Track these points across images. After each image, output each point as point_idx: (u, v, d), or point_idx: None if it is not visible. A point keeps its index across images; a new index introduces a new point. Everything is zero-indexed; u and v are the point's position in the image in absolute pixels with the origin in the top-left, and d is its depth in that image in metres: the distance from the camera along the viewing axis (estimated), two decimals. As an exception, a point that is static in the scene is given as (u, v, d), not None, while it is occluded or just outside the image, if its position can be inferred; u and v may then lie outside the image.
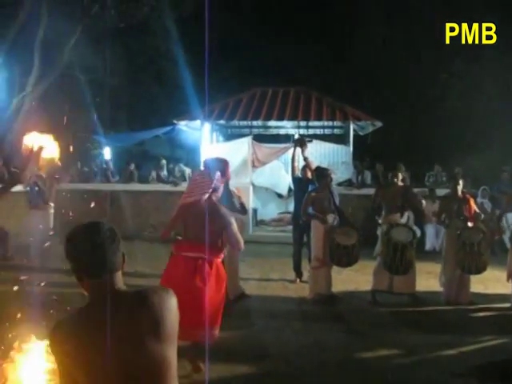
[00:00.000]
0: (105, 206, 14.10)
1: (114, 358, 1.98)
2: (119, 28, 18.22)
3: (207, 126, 15.39)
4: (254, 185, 14.53)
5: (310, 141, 10.50)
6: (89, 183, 15.35)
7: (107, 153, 18.63)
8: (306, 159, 9.50)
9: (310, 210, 8.12)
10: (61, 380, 2.07)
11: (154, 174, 15.86)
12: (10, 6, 15.23)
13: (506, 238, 11.09)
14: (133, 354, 2.01)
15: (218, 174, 5.32)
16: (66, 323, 2.08)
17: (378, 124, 15.15)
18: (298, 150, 9.64)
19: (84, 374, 1.99)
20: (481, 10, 17.19)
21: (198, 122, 15.24)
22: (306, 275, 8.97)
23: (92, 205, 12.78)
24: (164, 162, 16.40)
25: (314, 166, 9.17)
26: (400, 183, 8.61)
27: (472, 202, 8.28)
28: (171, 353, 2.09)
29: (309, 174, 9.23)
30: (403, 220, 8.36)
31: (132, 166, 15.84)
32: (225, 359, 5.32)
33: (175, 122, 15.70)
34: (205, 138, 15.18)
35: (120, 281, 2.16)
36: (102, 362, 1.96)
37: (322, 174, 8.34)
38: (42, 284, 8.64)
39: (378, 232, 8.49)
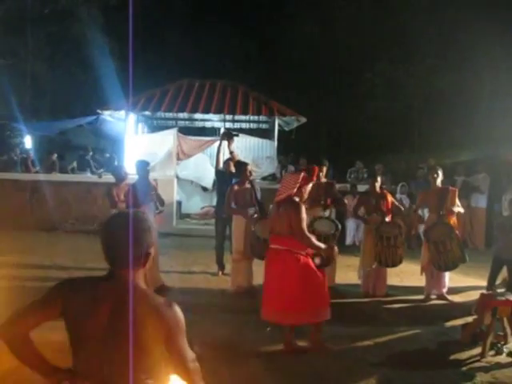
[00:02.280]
0: (25, 196, 13.74)
1: (92, 330, 2.17)
2: (43, 13, 17.72)
3: (132, 116, 15.19)
4: (178, 177, 14.47)
5: (237, 135, 10.55)
6: (7, 172, 14.85)
7: (28, 141, 18.10)
8: (231, 153, 9.55)
9: (232, 204, 8.20)
10: (39, 303, 2.29)
11: (75, 163, 15.57)
12: None
13: (421, 232, 11.57)
14: (109, 339, 2.17)
15: (303, 174, 5.77)
16: (78, 279, 2.36)
17: (303, 120, 15.37)
18: (224, 143, 9.68)
19: (70, 324, 2.23)
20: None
21: (122, 113, 14.99)
22: (228, 268, 9.03)
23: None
24: (88, 155, 16.17)
25: (237, 160, 9.25)
26: (323, 178, 8.78)
27: (390, 197, 8.57)
28: (142, 359, 2.19)
29: (232, 168, 9.29)
30: (326, 213, 8.53)
31: (54, 156, 15.45)
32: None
33: (99, 111, 15.40)
34: (129, 129, 14.99)
35: (134, 276, 2.26)
36: (82, 327, 2.19)
37: (241, 167, 8.42)
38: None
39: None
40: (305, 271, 5.50)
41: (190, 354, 2.28)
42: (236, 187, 8.24)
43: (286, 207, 5.56)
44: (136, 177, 8.47)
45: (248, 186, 8.27)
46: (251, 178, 8.49)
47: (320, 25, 21.64)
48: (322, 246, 5.67)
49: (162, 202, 8.51)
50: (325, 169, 8.88)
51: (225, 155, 9.81)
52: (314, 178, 6.07)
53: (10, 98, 16.57)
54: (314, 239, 5.60)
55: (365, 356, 5.72)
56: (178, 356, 2.24)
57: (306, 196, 5.83)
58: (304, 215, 5.50)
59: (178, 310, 2.27)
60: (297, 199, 5.61)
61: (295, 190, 5.60)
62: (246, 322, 6.56)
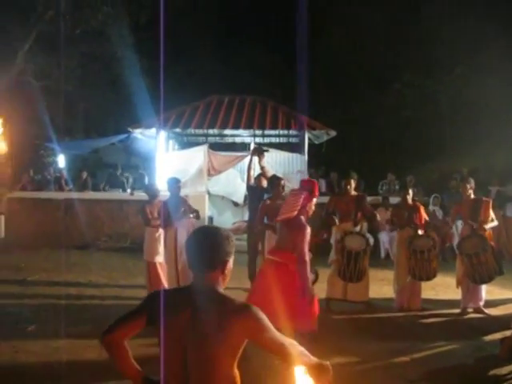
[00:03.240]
0: (59, 214, 13.91)
1: (176, 334, 2.40)
2: (74, 34, 18.01)
3: (163, 134, 15.30)
4: (209, 193, 14.51)
5: (267, 150, 10.52)
6: (41, 191, 15.09)
7: (61, 160, 18.37)
8: (262, 168, 9.51)
9: (265, 219, 8.15)
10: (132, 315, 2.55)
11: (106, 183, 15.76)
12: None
13: (455, 245, 11.38)
14: (191, 341, 2.38)
15: (306, 193, 5.76)
16: (164, 291, 2.59)
17: (333, 133, 15.32)
18: (255, 158, 9.65)
19: (156, 329, 2.44)
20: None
21: (153, 130, 15.13)
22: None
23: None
24: (119, 172, 16.33)
25: (269, 175, 9.21)
26: (353, 192, 8.61)
27: (422, 210, 8.44)
28: (226, 358, 2.41)
29: (264, 183, 9.25)
30: (357, 228, 8.43)
31: (85, 174, 15.63)
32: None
33: (130, 129, 15.56)
34: (160, 146, 15.10)
35: (211, 280, 2.48)
36: (167, 331, 2.40)
37: (274, 182, 8.33)
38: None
39: (332, 240, 8.54)
40: (292, 285, 5.54)
41: (288, 340, 2.50)
42: (268, 202, 8.17)
43: (290, 227, 5.64)
44: (168, 194, 8.54)
45: (281, 201, 8.21)
46: (284, 193, 8.42)
47: (347, 37, 21.63)
48: (309, 279, 5.69)
49: (197, 215, 8.56)
50: (353, 182, 8.65)
51: (255, 171, 9.79)
52: (317, 194, 5.95)
53: (43, 117, 16.84)
54: (307, 269, 5.56)
55: (402, 372, 5.63)
56: (273, 346, 2.45)
57: (310, 212, 5.83)
58: (307, 237, 5.54)
59: (255, 309, 2.43)
60: (302, 219, 5.62)
61: (296, 212, 5.62)
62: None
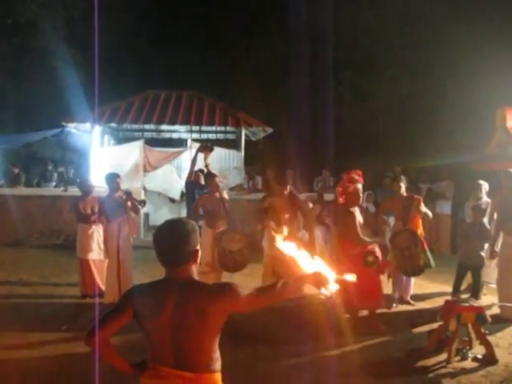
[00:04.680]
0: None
1: (161, 325, 2.56)
2: (6, 24, 17.51)
3: (97, 128, 15.06)
4: (145, 189, 14.40)
5: (213, 148, 10.54)
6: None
7: (-9, 155, 17.83)
8: (207, 166, 9.58)
9: (200, 211, 8.22)
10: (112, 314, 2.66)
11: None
12: None
13: (387, 240, 11.69)
14: (177, 330, 2.55)
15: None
16: (142, 285, 2.73)
17: (269, 130, 15.46)
18: (200, 155, 9.69)
19: (142, 324, 2.62)
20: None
21: (87, 125, 14.86)
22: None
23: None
24: (50, 167, 15.99)
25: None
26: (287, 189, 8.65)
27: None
28: (211, 340, 2.62)
29: (202, 180, 9.32)
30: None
31: (17, 169, 15.21)
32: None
33: (64, 123, 15.24)
34: (95, 141, 14.86)
35: (185, 272, 2.64)
36: (153, 322, 2.57)
37: (209, 178, 8.44)
38: None
39: (263, 243, 8.48)
40: None
41: (247, 291, 2.63)
42: (205, 197, 8.27)
43: None
44: (104, 189, 8.46)
45: (217, 196, 8.28)
46: (219, 188, 8.50)
47: (282, 31, 21.80)
48: None
49: (140, 204, 8.54)
50: (289, 178, 8.71)
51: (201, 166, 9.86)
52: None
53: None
54: None
55: (332, 365, 5.76)
56: (246, 304, 2.64)
57: None
58: None
59: (228, 287, 2.61)
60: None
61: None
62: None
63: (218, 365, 2.68)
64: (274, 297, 2.68)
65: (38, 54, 20.08)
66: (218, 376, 2.68)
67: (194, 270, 2.68)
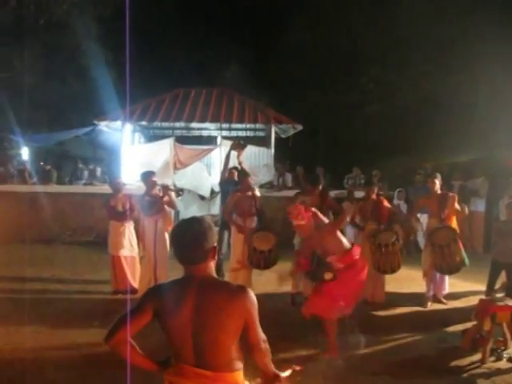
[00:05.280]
0: (22, 208, 13.67)
1: (182, 323, 2.58)
2: (39, 24, 17.73)
3: (128, 126, 15.17)
4: (175, 187, 14.43)
5: (246, 145, 10.50)
6: (5, 184, 14.83)
7: (25, 153, 18.09)
8: (240, 163, 9.55)
9: (234, 215, 8.23)
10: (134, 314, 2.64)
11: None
12: None
13: (419, 238, 11.55)
14: (197, 328, 2.57)
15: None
16: (161, 285, 2.80)
17: (299, 127, 15.39)
18: (233, 153, 9.68)
19: (163, 323, 2.63)
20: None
21: (118, 123, 15.00)
22: (228, 276, 8.99)
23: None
24: (80, 165, 16.17)
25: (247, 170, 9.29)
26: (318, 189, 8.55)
27: (386, 204, 8.54)
28: (229, 340, 2.60)
29: (236, 177, 9.32)
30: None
31: (48, 167, 15.41)
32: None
33: (95, 122, 15.39)
34: (126, 139, 14.97)
35: (204, 269, 2.65)
36: (174, 321, 2.59)
37: (242, 177, 8.43)
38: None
39: (295, 241, 8.42)
40: None
41: (263, 335, 2.72)
42: (237, 195, 8.25)
43: None
44: (139, 187, 8.57)
45: (249, 195, 8.27)
46: (251, 187, 8.50)
47: (314, 30, 21.70)
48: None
49: (178, 193, 8.64)
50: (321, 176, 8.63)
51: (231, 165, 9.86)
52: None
53: (7, 110, 16.55)
54: None
55: (364, 364, 5.70)
56: (254, 336, 2.67)
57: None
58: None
59: (251, 293, 2.64)
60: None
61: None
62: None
63: (239, 364, 2.68)
64: (261, 363, 2.78)
65: (69, 53, 20.30)
66: (240, 375, 2.68)
67: (212, 267, 2.71)
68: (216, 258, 2.73)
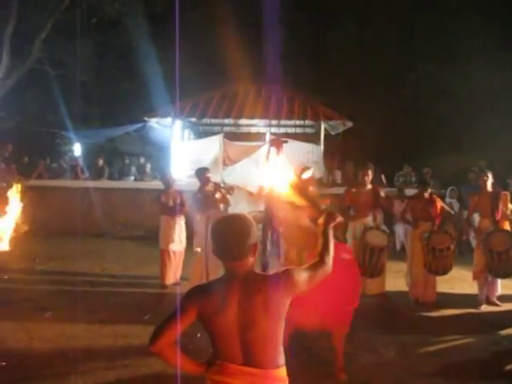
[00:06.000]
0: (74, 203, 13.93)
1: (228, 321, 2.54)
2: (91, 23, 18.03)
3: (178, 123, 15.29)
4: (224, 183, 14.47)
5: (286, 141, 10.45)
6: (58, 180, 15.17)
7: (77, 149, 18.43)
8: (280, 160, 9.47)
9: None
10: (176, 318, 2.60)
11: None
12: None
13: (471, 238, 11.27)
14: (245, 324, 2.53)
15: None
16: (202, 285, 2.80)
17: (349, 124, 15.25)
18: (273, 150, 9.63)
19: (207, 323, 2.59)
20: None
21: (168, 120, 15.13)
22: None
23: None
24: (127, 161, 16.42)
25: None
26: (369, 185, 8.35)
27: (439, 202, 8.33)
28: (277, 330, 2.59)
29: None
30: (370, 222, 8.19)
31: (101, 162, 15.69)
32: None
33: (146, 119, 15.57)
34: (175, 136, 15.09)
35: (246, 265, 2.61)
36: (220, 320, 2.54)
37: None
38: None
39: (348, 235, 8.32)
40: None
41: (311, 270, 2.73)
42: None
43: None
44: (186, 184, 8.64)
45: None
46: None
47: (364, 26, 21.44)
48: None
49: (228, 192, 8.70)
50: (370, 173, 8.34)
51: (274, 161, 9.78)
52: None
53: (60, 107, 16.90)
54: None
55: (416, 365, 5.59)
56: (310, 285, 2.71)
57: None
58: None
59: (288, 272, 2.64)
60: None
61: None
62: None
63: (282, 359, 2.66)
64: (326, 263, 2.80)
65: (120, 50, 20.58)
66: (284, 371, 2.66)
67: (254, 263, 2.68)
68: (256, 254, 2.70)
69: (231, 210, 15.17)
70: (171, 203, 8.71)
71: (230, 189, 8.87)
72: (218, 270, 8.09)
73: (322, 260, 2.78)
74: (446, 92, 19.92)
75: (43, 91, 18.22)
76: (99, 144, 19.36)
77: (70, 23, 17.06)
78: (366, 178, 8.22)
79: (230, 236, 2.59)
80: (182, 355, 2.64)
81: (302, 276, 2.64)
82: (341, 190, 13.48)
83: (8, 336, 6.20)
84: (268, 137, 15.08)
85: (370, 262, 7.52)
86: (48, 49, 17.34)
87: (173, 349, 2.61)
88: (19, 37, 16.53)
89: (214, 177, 13.64)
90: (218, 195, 8.39)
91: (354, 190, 8.41)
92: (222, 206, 8.72)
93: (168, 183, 8.92)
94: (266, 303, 2.52)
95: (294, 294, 2.62)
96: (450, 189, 13.24)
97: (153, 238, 9.36)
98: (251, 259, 2.64)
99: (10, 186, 13.63)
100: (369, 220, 8.10)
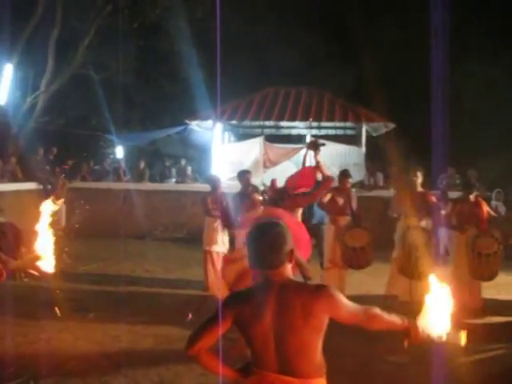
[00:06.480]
0: (117, 204, 14.11)
1: (265, 328, 2.50)
2: (132, 28, 18.27)
3: (219, 125, 15.36)
4: (265, 185, 14.48)
5: (324, 144, 10.33)
6: (101, 182, 15.43)
7: (120, 152, 18.67)
8: (318, 163, 9.38)
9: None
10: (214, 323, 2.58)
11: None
12: (25, 7, 15.30)
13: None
14: (281, 332, 2.49)
15: None
16: (239, 292, 2.78)
17: (391, 125, 15.08)
18: (310, 152, 9.57)
19: (244, 330, 2.57)
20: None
21: (209, 122, 15.22)
22: (317, 278, 8.91)
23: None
24: (168, 163, 16.52)
25: (325, 170, 9.16)
26: (420, 188, 8.26)
27: (485, 206, 8.12)
28: (315, 340, 2.53)
29: (319, 177, 9.19)
30: (422, 223, 8.07)
31: (142, 165, 15.86)
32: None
33: (187, 122, 15.69)
34: (216, 138, 15.16)
35: (283, 273, 2.56)
36: (256, 327, 2.51)
37: (340, 176, 8.35)
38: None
39: (395, 236, 8.25)
40: None
41: (363, 308, 2.63)
42: (333, 193, 8.19)
43: None
44: (227, 186, 8.69)
45: (345, 194, 8.20)
46: (348, 186, 8.43)
47: (405, 26, 21.20)
48: None
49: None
50: (420, 176, 8.22)
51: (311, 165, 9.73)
52: None
53: (102, 110, 17.16)
54: None
55: (460, 375, 5.44)
56: (352, 313, 2.59)
57: None
58: None
59: (331, 288, 2.57)
60: None
61: None
62: (339, 334, 6.42)
63: (322, 370, 2.61)
64: (387, 326, 2.73)
65: (162, 54, 20.79)
66: (323, 382, 2.61)
67: (290, 270, 2.63)
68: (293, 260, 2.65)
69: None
70: (216, 205, 8.77)
71: (264, 191, 8.87)
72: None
73: (381, 317, 2.68)
74: (490, 91, 19.55)
75: (86, 95, 18.50)
76: (141, 146, 19.59)
77: (112, 28, 17.34)
78: (415, 179, 8.07)
79: (265, 244, 2.55)
80: (219, 360, 2.64)
81: (346, 303, 2.57)
82: (383, 193, 13.38)
83: (53, 336, 6.29)
84: (308, 139, 15.02)
85: (408, 262, 7.40)
86: (91, 53, 17.62)
87: (209, 353, 2.61)
88: (63, 43, 16.86)
89: (255, 179, 13.67)
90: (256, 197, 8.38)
91: (403, 192, 8.33)
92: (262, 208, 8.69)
93: (215, 185, 8.97)
94: (305, 313, 2.47)
95: (333, 315, 2.55)
96: (495, 191, 12.96)
97: (194, 240, 9.42)
98: (288, 266, 2.59)
99: (55, 188, 13.96)
100: (414, 220, 7.96)
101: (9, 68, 14.41)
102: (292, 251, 2.59)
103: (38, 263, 4.70)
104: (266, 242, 2.55)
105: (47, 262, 4.72)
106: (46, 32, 16.35)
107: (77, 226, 10.83)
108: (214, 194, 8.82)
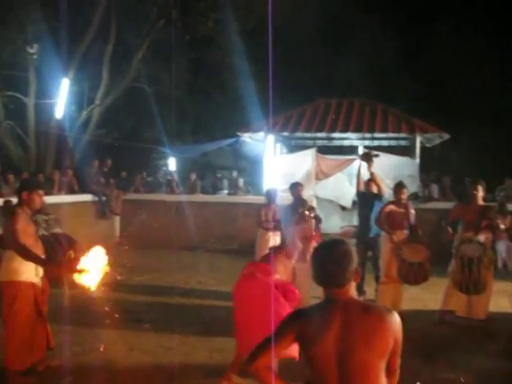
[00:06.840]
0: (170, 216, 14.24)
1: (327, 348, 2.46)
2: (184, 40, 18.53)
3: (271, 137, 15.33)
4: (317, 197, 14.38)
5: (377, 155, 10.22)
6: (154, 193, 15.63)
7: (172, 164, 18.88)
8: (372, 174, 9.25)
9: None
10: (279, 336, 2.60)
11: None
12: (81, 24, 15.73)
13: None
14: (344, 353, 2.45)
15: None
16: (303, 310, 2.75)
17: (446, 136, 14.77)
18: (364, 164, 9.46)
19: (306, 349, 2.56)
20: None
21: (261, 134, 15.23)
22: (370, 292, 8.78)
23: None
24: (219, 175, 16.60)
25: (380, 181, 9.04)
26: (481, 201, 7.96)
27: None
28: (378, 363, 2.48)
29: (374, 189, 9.06)
30: (480, 238, 7.82)
31: (193, 176, 15.98)
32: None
33: (239, 134, 15.76)
34: (268, 150, 15.14)
35: (347, 292, 2.55)
36: (318, 347, 2.48)
37: (395, 188, 8.22)
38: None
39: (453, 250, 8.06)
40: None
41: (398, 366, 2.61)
42: (390, 207, 8.04)
43: None
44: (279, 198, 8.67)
45: (402, 207, 8.05)
46: (404, 197, 8.25)
47: (460, 34, 20.85)
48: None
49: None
50: (481, 189, 7.89)
51: (365, 176, 9.62)
52: None
53: (155, 122, 17.41)
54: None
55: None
56: (395, 361, 2.58)
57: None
58: None
59: (398, 316, 2.53)
60: None
61: None
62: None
63: None
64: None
65: (213, 67, 20.99)
66: None
67: (354, 289, 2.62)
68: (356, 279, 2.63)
69: (323, 225, 15.09)
70: (270, 217, 8.78)
71: (311, 209, 8.73)
72: (308, 288, 7.98)
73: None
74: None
75: (140, 108, 18.83)
76: (193, 158, 19.77)
77: (165, 42, 17.61)
78: (476, 192, 7.83)
79: (333, 263, 2.53)
80: (277, 378, 2.65)
81: (400, 342, 2.53)
82: (437, 205, 13.12)
83: (109, 346, 6.36)
84: (361, 150, 14.86)
85: (470, 275, 7.20)
86: (144, 67, 17.93)
87: (268, 370, 2.63)
88: (117, 57, 17.25)
89: (307, 191, 13.60)
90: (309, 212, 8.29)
91: (463, 205, 8.15)
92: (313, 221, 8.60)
93: (271, 198, 9.01)
94: (369, 334, 2.43)
95: (392, 344, 2.50)
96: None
97: (246, 252, 9.40)
98: (353, 285, 2.59)
99: (109, 200, 14.21)
100: (471, 235, 7.75)
101: (65, 82, 14.76)
102: (357, 270, 2.57)
103: (84, 276, 4.77)
104: (333, 259, 2.53)
105: (94, 276, 4.77)
106: (101, 47, 16.78)
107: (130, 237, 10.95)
108: (269, 207, 8.83)
